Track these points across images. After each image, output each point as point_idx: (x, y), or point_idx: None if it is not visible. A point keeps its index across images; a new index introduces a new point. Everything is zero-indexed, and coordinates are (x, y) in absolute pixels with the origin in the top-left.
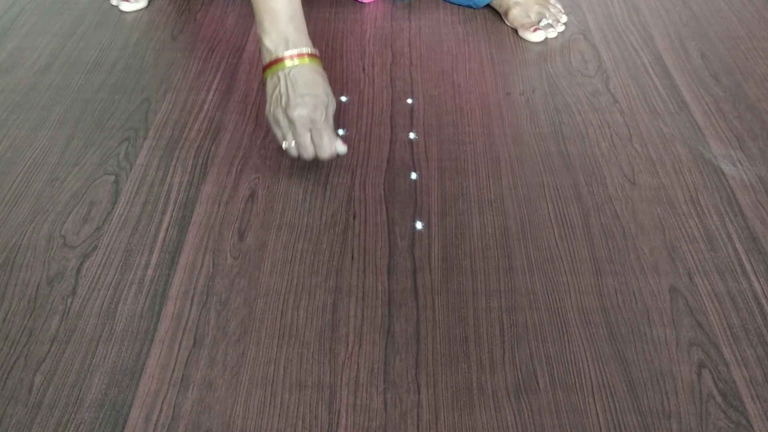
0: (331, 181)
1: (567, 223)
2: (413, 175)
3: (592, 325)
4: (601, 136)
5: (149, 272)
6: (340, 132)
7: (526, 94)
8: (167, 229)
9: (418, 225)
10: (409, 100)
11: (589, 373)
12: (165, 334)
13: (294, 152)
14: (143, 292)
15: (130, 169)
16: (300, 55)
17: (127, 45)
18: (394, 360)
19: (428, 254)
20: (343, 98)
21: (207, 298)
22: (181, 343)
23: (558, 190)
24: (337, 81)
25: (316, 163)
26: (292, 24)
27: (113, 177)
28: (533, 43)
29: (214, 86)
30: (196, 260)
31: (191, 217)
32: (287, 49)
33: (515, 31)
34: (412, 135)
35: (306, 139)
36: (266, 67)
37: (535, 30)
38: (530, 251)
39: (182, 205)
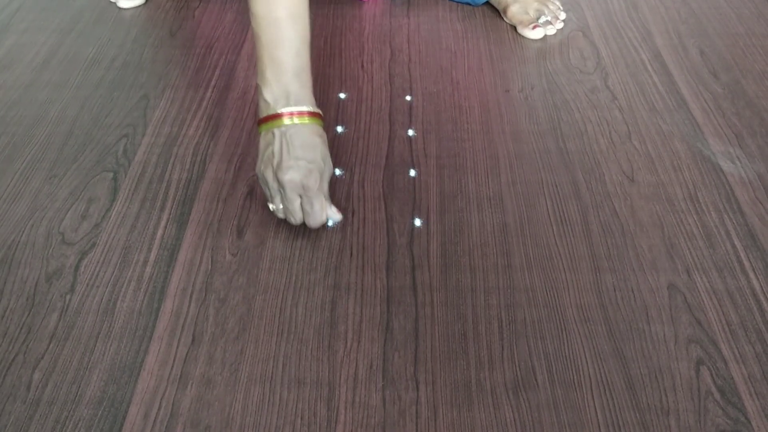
0: (330, 179)
1: (566, 220)
2: (412, 172)
3: (591, 322)
4: (600, 133)
5: (148, 269)
6: (339, 129)
7: (524, 91)
8: (166, 226)
9: (417, 222)
10: (408, 97)
11: (588, 370)
12: (164, 331)
13: (281, 215)
14: (142, 289)
15: (129, 166)
16: (300, 114)
17: (125, 42)
18: (393, 357)
19: (427, 251)
20: (342, 95)
21: (206, 295)
22: (179, 340)
23: (557, 187)
24: (335, 78)
25: None
26: (297, 79)
27: (112, 174)
28: (532, 40)
29: (212, 83)
30: (195, 257)
31: (190, 214)
32: (287, 105)
33: (514, 28)
34: (410, 132)
35: (295, 204)
36: (261, 122)
37: (533, 27)
38: (529, 248)
39: (181, 202)
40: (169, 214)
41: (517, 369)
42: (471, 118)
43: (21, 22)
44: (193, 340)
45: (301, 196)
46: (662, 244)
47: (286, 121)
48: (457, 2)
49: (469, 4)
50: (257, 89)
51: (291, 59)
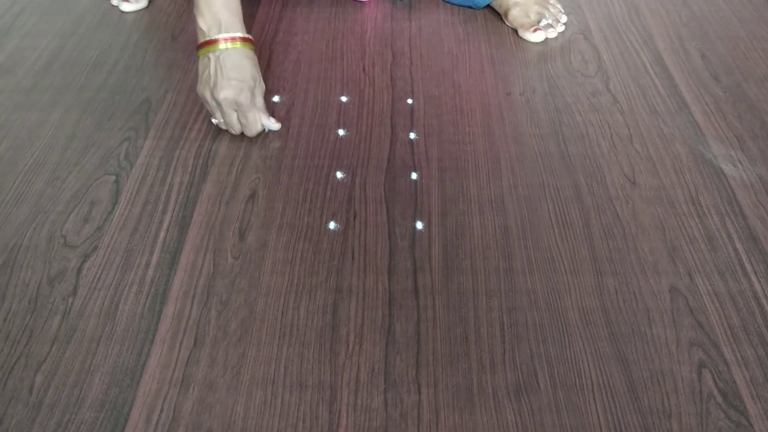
0: (332, 182)
1: (567, 223)
2: (413, 175)
3: (593, 325)
4: (602, 136)
5: (150, 272)
6: (341, 132)
7: (526, 94)
8: (168, 229)
9: (419, 225)
10: (410, 100)
11: (590, 372)
12: (165, 334)
13: (223, 127)
14: (144, 292)
15: (131, 169)
16: (233, 39)
17: (127, 45)
18: (395, 360)
19: (429, 254)
20: (344, 98)
21: (207, 298)
22: (181, 343)
23: (558, 190)
24: (337, 81)
25: (316, 162)
26: (226, 9)
27: (114, 177)
28: (533, 43)
29: None
30: (197, 260)
31: (192, 217)
32: (220, 32)
33: (515, 31)
34: (412, 135)
35: (232, 118)
36: (199, 47)
37: (535, 30)
38: (530, 251)
39: (183, 205)
40: (171, 217)
41: (519, 372)
42: (472, 121)
43: (23, 25)
44: (195, 343)
45: (236, 111)
46: (664, 247)
47: (221, 45)
48: (459, 5)
49: (471, 8)
50: (194, 19)
51: None
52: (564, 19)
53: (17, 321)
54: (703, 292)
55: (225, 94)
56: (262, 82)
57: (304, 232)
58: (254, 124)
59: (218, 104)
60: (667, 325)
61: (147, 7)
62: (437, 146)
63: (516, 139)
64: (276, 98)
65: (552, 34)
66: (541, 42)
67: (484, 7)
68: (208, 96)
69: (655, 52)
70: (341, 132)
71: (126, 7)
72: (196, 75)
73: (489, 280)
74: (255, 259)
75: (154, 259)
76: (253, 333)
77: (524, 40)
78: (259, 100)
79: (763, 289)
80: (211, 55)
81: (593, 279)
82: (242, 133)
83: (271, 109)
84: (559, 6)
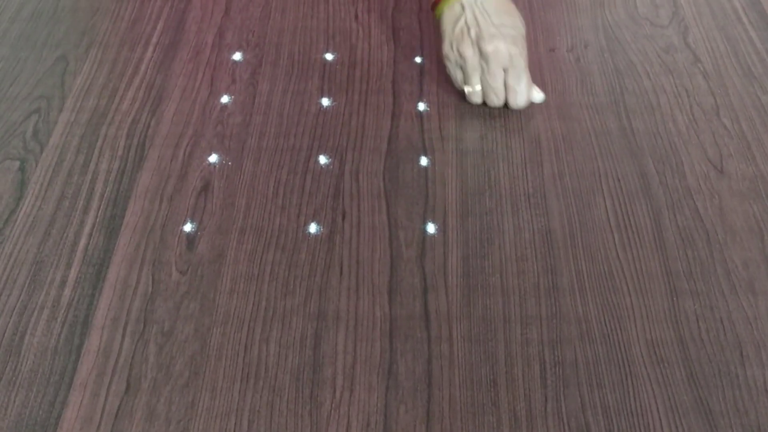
0: (313, 169)
1: (631, 226)
2: (423, 161)
3: (666, 364)
4: (678, 108)
5: (66, 292)
6: (325, 102)
7: (575, 51)
8: (91, 234)
9: (430, 228)
10: (418, 59)
11: (662, 428)
12: (88, 375)
13: (478, 98)
14: (58, 319)
15: (41, 152)
16: None
17: None
18: (398, 411)
19: (444, 268)
20: (329, 56)
21: (144, 327)
22: (109, 388)
23: (619, 180)
24: (319, 32)
25: (292, 143)
26: None
27: (18, 163)
28: None
29: (154, 40)
30: (130, 276)
31: (123, 217)
32: None
33: None
34: (421, 106)
35: (499, 80)
36: (444, 1)
37: None
38: (581, 263)
39: (111, 202)
40: (96, 217)
41: (566, 428)
42: None
43: None
44: (127, 389)
45: (505, 70)
46: (762, 258)
47: None
48: None
49: None
50: None
51: None
52: None
53: None
54: None
55: (496, 44)
56: (525, 28)
57: (275, 237)
58: (527, 87)
59: (486, 60)
60: (766, 364)
61: None
62: (455, 121)
63: (562, 112)
64: (237, 56)
65: None
66: None
67: None
68: (468, 52)
69: None
70: (325, 102)
71: None
72: (129, 23)
73: (525, 303)
74: (209, 274)
75: (72, 275)
76: (206, 375)
77: None
78: (526, 56)
79: None
80: (465, 2)
81: (666, 301)
82: (487, 104)
83: (231, 70)
84: None
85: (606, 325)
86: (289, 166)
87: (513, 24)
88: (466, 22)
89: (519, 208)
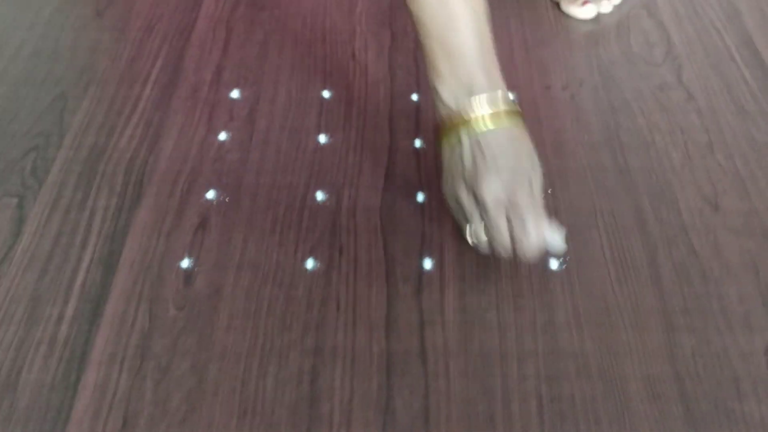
0: (310, 206)
1: (627, 262)
2: (420, 197)
3: (662, 400)
4: (672, 145)
5: (63, 328)
6: (322, 139)
7: (570, 89)
8: (88, 270)
9: (427, 264)
10: (415, 96)
11: None
12: (84, 411)
13: (484, 249)
14: (55, 356)
15: (39, 189)
16: (495, 116)
17: (35, 24)
18: None
19: (441, 303)
20: (326, 94)
21: (141, 362)
22: (106, 424)
23: (614, 217)
24: (317, 70)
25: (289, 180)
26: (480, 65)
27: (16, 200)
28: (581, 20)
29: (152, 77)
30: (127, 312)
31: (121, 253)
32: (472, 102)
33: (557, 4)
34: (418, 143)
35: (502, 231)
36: (442, 129)
37: (583, 3)
38: (578, 299)
39: (109, 238)
40: (93, 253)
41: None
42: None
43: None
44: (123, 424)
45: (508, 217)
46: (757, 294)
47: (479, 125)
48: None
49: None
50: (431, 90)
51: (470, 42)
52: None
53: None
54: None
55: (494, 189)
56: (539, 165)
57: (272, 273)
58: (535, 234)
59: (483, 206)
60: (762, 399)
61: None
62: None
63: (558, 149)
64: (235, 93)
65: (606, 8)
66: (592, 18)
67: None
68: (463, 194)
69: (743, 31)
70: (323, 139)
71: None
72: (127, 62)
73: (522, 339)
74: (206, 310)
75: (70, 311)
76: (202, 410)
77: (568, 15)
78: (538, 197)
79: None
80: (464, 136)
81: (662, 337)
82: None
83: (229, 108)
84: None
85: (603, 360)
86: (286, 202)
87: (514, 166)
88: (461, 159)
89: None
